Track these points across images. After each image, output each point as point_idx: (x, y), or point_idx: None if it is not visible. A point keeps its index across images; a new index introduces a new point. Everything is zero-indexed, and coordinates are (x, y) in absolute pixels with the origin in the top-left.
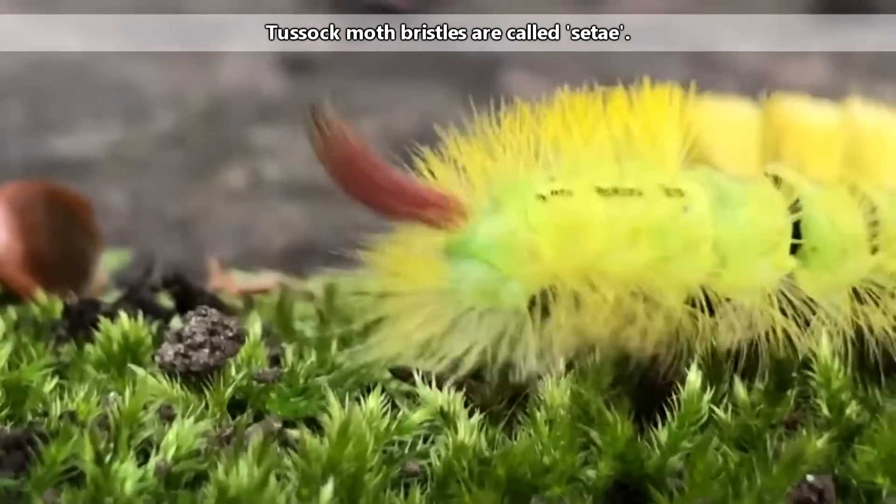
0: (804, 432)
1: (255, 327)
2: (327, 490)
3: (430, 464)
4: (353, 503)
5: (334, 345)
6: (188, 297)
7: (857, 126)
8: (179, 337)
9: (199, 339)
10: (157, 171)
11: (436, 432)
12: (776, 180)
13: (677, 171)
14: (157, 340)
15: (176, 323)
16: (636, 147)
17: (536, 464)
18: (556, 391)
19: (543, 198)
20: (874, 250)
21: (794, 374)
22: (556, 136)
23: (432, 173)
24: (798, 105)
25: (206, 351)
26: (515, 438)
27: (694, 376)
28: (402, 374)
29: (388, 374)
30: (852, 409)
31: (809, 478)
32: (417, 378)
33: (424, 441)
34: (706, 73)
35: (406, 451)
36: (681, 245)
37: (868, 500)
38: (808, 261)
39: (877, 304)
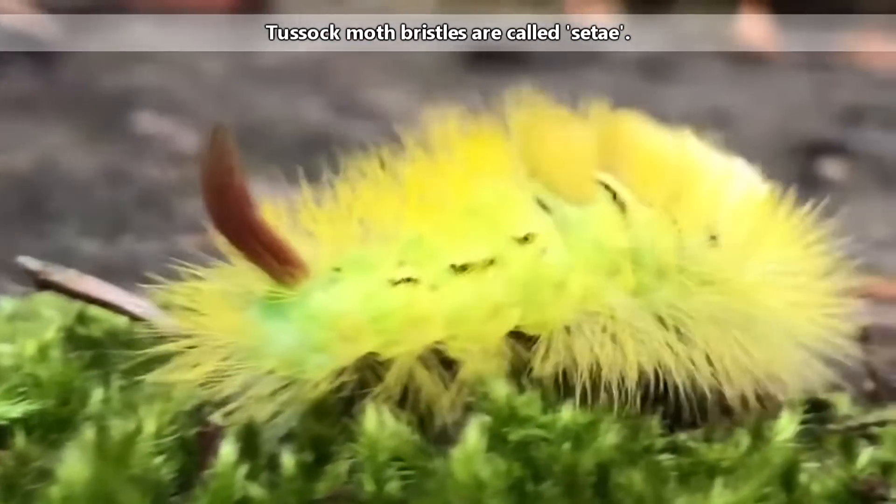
0: None
1: None
2: None
3: None
4: None
5: None
6: None
7: (687, 159)
8: None
9: None
10: None
11: None
12: (607, 189)
13: (524, 210)
14: None
15: None
16: (476, 201)
17: None
18: (77, 466)
19: (394, 283)
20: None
21: (338, 447)
22: (399, 207)
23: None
24: (639, 126)
25: None
26: None
27: (228, 450)
28: None
29: None
30: (394, 485)
31: None
32: None
33: None
34: (347, 115)
35: None
36: (550, 289)
37: None
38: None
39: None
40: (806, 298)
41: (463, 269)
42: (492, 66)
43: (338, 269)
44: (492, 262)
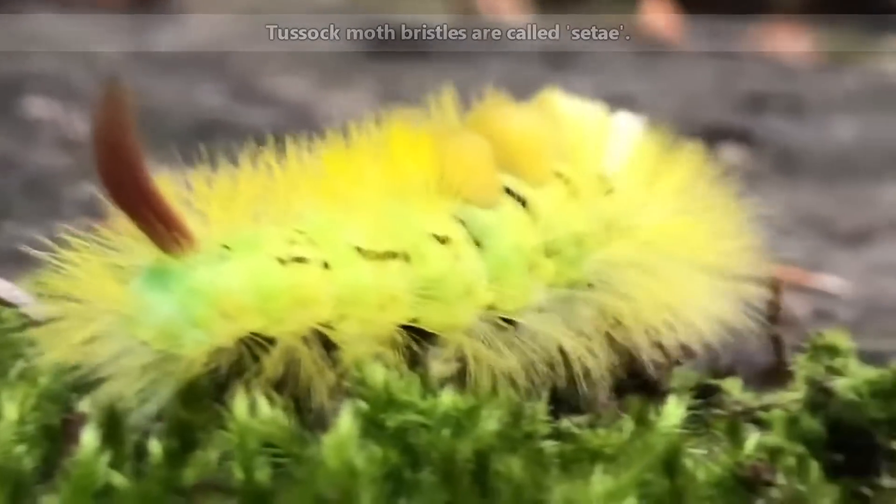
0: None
1: None
2: None
3: None
4: None
5: None
6: None
7: (557, 120)
8: None
9: None
10: None
11: None
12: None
13: (439, 215)
14: None
15: None
16: (395, 196)
17: None
18: None
19: (282, 261)
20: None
21: (208, 434)
22: (305, 188)
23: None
24: (501, 112)
25: None
26: None
27: (90, 436)
28: None
29: None
30: (264, 473)
31: None
32: None
33: None
34: (245, 102)
35: None
36: (459, 293)
37: None
38: (559, 264)
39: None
40: (708, 233)
41: (368, 253)
42: (393, 55)
43: (227, 248)
44: (396, 255)
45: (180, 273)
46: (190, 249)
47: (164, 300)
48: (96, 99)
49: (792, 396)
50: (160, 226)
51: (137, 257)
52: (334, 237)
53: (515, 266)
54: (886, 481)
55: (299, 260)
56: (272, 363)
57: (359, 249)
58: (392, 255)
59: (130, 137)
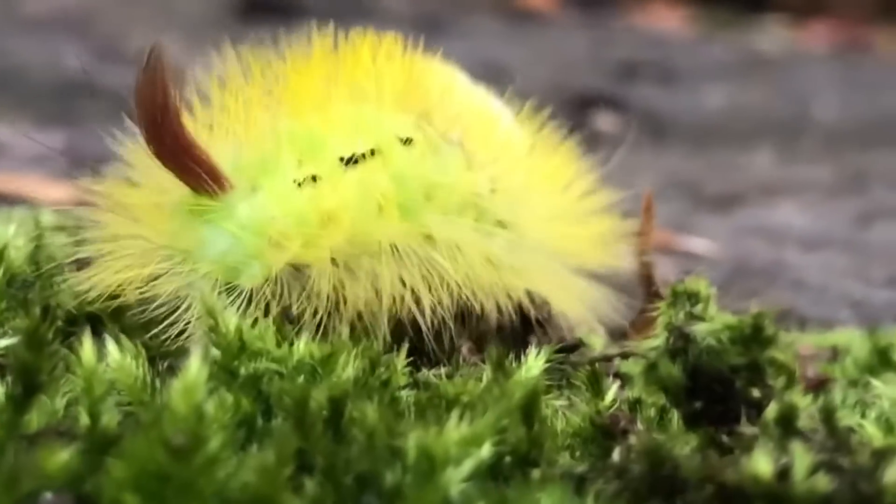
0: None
1: None
2: None
3: None
4: None
5: None
6: None
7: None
8: None
9: None
10: None
11: None
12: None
13: (403, 118)
14: None
15: None
16: (370, 97)
17: None
18: None
19: (299, 184)
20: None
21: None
22: (290, 103)
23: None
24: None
25: None
26: None
27: None
28: None
29: None
30: (112, 418)
31: (48, 496)
32: None
33: None
34: (110, 62)
35: None
36: (423, 191)
37: None
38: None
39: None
40: (574, 231)
41: (350, 162)
42: (264, 16)
43: (252, 178)
44: (374, 152)
45: (224, 209)
46: (228, 190)
47: (218, 234)
48: (138, 62)
49: (651, 344)
50: (202, 176)
51: (171, 194)
52: (323, 151)
53: (414, 189)
54: (746, 428)
55: (313, 179)
56: (320, 291)
57: (342, 159)
58: (371, 154)
59: (172, 100)
